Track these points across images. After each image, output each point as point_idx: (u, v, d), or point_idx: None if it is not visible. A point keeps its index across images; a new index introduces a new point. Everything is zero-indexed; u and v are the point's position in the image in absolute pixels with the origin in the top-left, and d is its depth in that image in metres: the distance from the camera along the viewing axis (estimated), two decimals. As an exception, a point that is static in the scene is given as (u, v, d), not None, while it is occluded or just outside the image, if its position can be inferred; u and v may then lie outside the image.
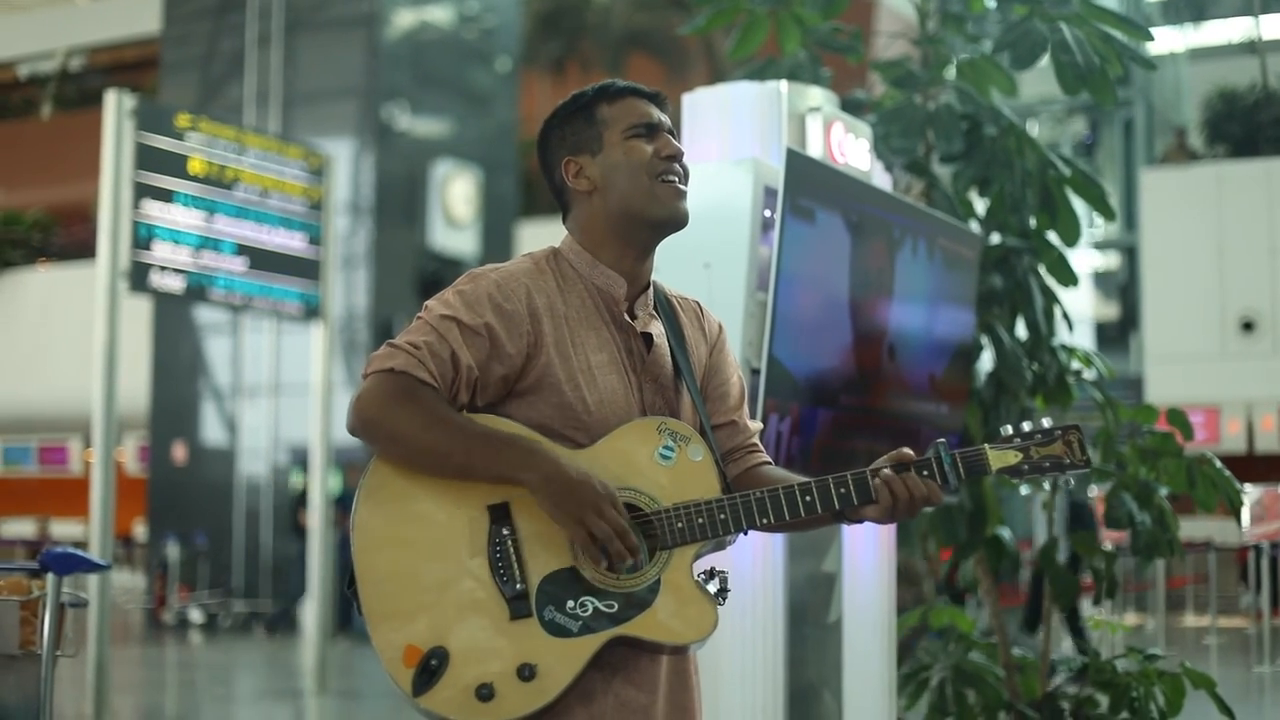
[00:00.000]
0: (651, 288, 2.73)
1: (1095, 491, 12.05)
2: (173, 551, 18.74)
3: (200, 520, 19.05)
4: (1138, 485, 5.54)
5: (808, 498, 2.55)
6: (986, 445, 2.59)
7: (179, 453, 19.53)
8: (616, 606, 2.47)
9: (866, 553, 4.99)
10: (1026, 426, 2.60)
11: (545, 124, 2.73)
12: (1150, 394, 18.21)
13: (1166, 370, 19.14)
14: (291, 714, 11.61)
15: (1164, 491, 5.58)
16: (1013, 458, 2.58)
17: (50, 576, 4.10)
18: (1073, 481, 2.62)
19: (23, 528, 26.42)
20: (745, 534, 2.58)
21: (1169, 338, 19.38)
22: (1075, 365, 5.78)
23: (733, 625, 4.31)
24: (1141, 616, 15.70)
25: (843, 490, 2.55)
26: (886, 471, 2.54)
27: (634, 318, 2.67)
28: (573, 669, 2.43)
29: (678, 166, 2.66)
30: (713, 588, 2.53)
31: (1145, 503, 5.52)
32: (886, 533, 5.12)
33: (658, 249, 2.73)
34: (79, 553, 4.26)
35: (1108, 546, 5.87)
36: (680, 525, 2.52)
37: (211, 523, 19.00)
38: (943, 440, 2.58)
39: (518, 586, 2.45)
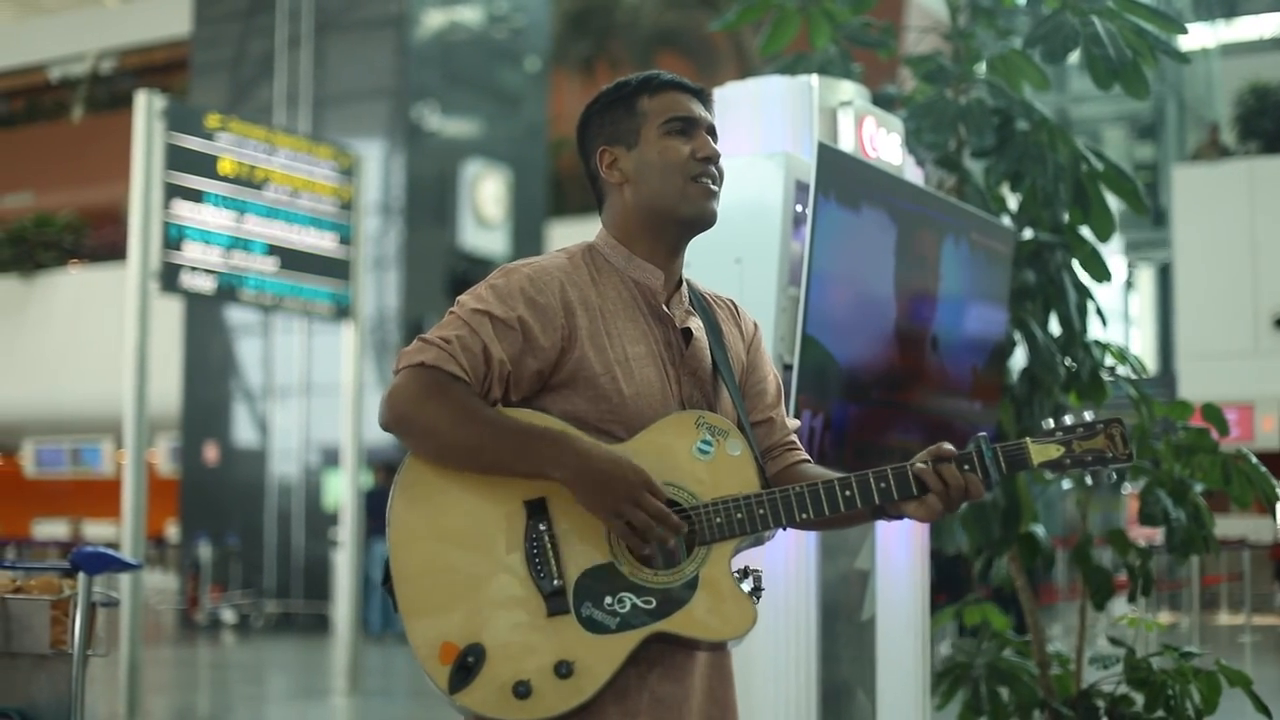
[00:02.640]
0: (685, 285, 2.71)
1: (1129, 489, 11.98)
2: (205, 552, 18.84)
3: (232, 521, 19.13)
4: (1172, 482, 5.50)
5: (847, 492, 2.52)
6: (1028, 439, 2.56)
7: (211, 453, 19.61)
8: (654, 603, 2.45)
9: (900, 550, 4.96)
10: (1069, 420, 2.57)
11: (586, 109, 2.70)
12: (1183, 391, 18.09)
13: (1199, 367, 19.04)
14: (323, 714, 11.62)
15: (1199, 488, 5.54)
16: (1054, 451, 2.56)
17: (81, 576, 4.11)
18: (1114, 476, 2.59)
19: (55, 529, 26.59)
20: (784, 530, 2.56)
21: (1202, 334, 19.28)
22: (1109, 361, 5.74)
23: (766, 623, 4.28)
24: (1176, 615, 15.62)
25: (883, 485, 2.52)
26: (926, 465, 2.51)
27: (671, 313, 2.65)
28: (610, 666, 2.41)
29: (713, 169, 2.63)
30: (746, 586, 2.51)
31: (1180, 499, 5.48)
32: (920, 530, 5.09)
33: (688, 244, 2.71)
34: (109, 552, 4.27)
35: (1141, 543, 5.81)
36: (719, 520, 2.49)
37: (243, 523, 19.08)
38: (983, 434, 2.55)
39: (555, 582, 2.43)
